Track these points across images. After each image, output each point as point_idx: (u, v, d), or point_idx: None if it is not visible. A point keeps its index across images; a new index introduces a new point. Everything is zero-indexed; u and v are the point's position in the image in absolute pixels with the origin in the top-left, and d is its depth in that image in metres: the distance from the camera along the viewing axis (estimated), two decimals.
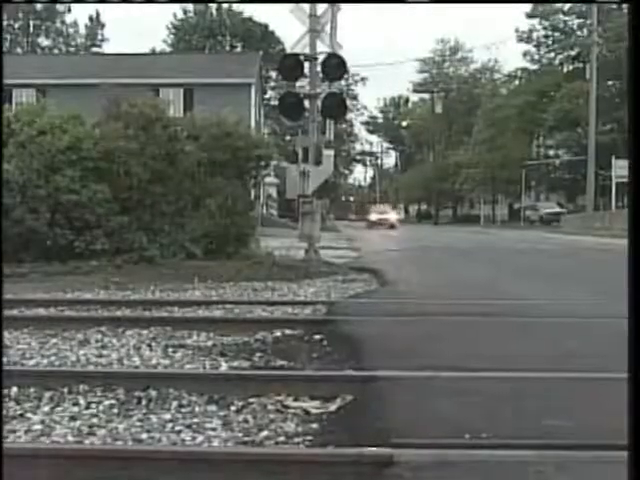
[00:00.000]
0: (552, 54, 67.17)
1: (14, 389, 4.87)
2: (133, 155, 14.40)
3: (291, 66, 15.04)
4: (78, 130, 14.56)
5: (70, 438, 4.03)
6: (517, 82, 73.15)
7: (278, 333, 6.98)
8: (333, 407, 4.51)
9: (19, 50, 70.41)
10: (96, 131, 14.71)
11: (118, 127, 14.66)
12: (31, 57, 55.72)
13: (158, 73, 36.61)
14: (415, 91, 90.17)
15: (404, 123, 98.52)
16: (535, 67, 68.97)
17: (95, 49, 75.44)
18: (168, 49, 70.08)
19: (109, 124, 14.82)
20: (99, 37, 79.66)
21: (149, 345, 6.50)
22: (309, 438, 3.99)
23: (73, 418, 4.36)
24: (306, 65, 15.15)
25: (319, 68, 15.03)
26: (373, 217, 54.49)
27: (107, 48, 74.83)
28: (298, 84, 16.33)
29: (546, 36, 66.05)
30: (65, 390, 4.87)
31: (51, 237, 13.90)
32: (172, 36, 73.67)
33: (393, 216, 55.25)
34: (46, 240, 13.86)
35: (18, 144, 14.20)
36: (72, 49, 75.53)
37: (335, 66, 14.81)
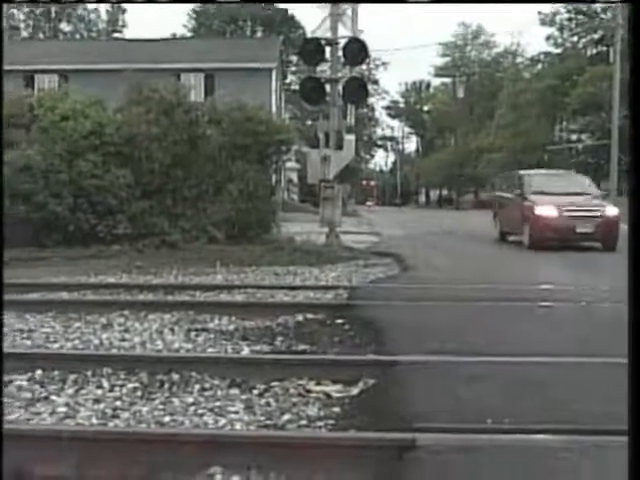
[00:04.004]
0: (575, 38, 66.36)
1: (38, 372, 4.92)
2: (155, 140, 14.46)
3: (312, 51, 15.01)
4: (100, 115, 14.64)
5: (94, 420, 4.06)
6: (540, 66, 72.37)
7: (300, 317, 7.00)
8: (355, 391, 4.52)
9: (41, 35, 70.66)
10: (118, 116, 14.77)
11: (140, 112, 14.71)
12: (53, 42, 55.79)
13: (179, 58, 36.56)
14: (437, 75, 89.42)
15: (425, 108, 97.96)
16: (558, 51, 68.18)
17: (116, 34, 75.50)
18: (189, 34, 70.04)
19: (131, 109, 14.87)
20: (120, 22, 79.73)
21: (171, 329, 6.54)
22: (331, 422, 3.99)
23: (97, 401, 4.39)
24: (327, 49, 15.10)
25: (340, 52, 14.97)
26: (546, 209, 15.36)
27: (128, 33, 74.85)
28: (319, 69, 16.29)
29: (570, 19, 65.26)
30: (89, 373, 4.91)
31: (74, 222, 14.00)
32: (193, 21, 73.64)
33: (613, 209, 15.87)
34: (69, 225, 13.97)
35: (41, 129, 14.31)
36: (94, 34, 75.71)
37: (356, 50, 14.76)
